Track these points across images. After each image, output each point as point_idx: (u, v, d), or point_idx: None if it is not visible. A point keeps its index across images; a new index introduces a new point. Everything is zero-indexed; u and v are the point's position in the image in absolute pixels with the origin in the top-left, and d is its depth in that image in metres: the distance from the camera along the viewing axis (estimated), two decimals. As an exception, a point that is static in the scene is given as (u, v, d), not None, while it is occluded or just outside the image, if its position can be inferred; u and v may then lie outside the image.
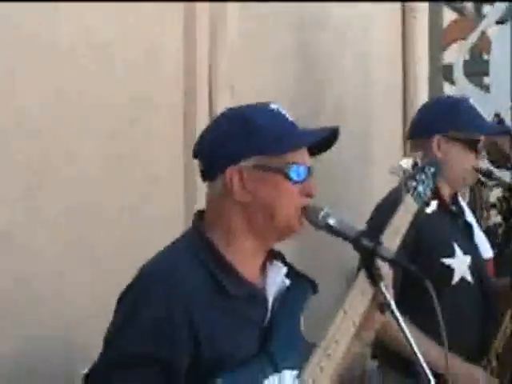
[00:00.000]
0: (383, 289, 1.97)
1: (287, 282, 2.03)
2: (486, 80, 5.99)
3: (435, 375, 2.40)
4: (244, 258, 1.97)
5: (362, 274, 2.02)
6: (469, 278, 3.03)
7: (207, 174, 2.01)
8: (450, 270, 3.00)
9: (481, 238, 3.22)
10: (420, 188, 2.28)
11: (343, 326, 1.96)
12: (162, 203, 3.45)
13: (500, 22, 6.00)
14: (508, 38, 5.71)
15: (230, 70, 4.31)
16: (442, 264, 2.99)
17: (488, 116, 5.71)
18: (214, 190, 1.98)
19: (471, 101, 3.26)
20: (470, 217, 3.23)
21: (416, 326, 2.90)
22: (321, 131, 2.04)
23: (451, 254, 3.01)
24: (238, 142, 1.95)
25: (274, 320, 1.96)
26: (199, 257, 1.95)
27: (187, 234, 2.03)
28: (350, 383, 2.24)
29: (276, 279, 2.00)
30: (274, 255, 2.06)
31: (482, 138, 3.15)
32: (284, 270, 2.03)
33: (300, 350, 1.95)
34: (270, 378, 1.89)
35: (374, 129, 3.44)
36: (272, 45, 4.89)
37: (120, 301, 1.96)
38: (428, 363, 2.79)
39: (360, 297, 2.00)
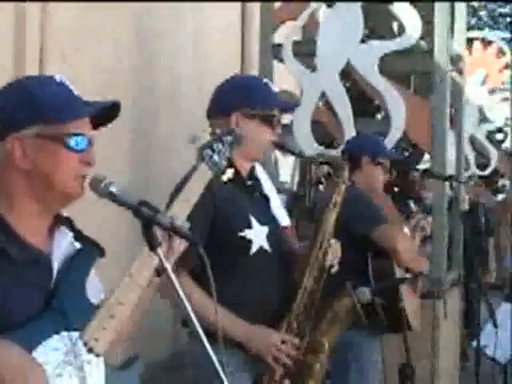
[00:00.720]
0: (160, 254, 2.04)
1: (77, 245, 2.12)
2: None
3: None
4: (28, 223, 2.03)
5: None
6: (267, 247, 3.15)
7: None
8: (247, 241, 3.10)
9: (278, 208, 3.36)
10: (215, 157, 2.35)
11: (128, 288, 2.04)
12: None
13: (329, 4, 6.21)
14: (336, 20, 5.91)
15: (61, 41, 4.31)
16: (240, 236, 3.09)
17: (315, 95, 5.96)
18: None
19: (264, 79, 3.44)
20: (267, 189, 3.36)
21: (228, 292, 3.03)
22: (100, 104, 2.10)
23: (248, 226, 3.12)
24: (18, 111, 2.00)
25: (59, 284, 2.02)
26: None
27: None
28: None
29: (61, 244, 2.08)
30: (61, 221, 2.12)
31: (276, 112, 3.27)
32: (70, 235, 2.10)
33: (86, 312, 2.02)
34: (53, 337, 1.95)
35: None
36: (107, 18, 4.91)
37: None
38: (223, 332, 2.96)
39: (147, 261, 2.08)
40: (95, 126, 2.11)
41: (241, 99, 3.22)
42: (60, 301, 2.00)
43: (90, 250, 2.14)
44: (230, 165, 3.16)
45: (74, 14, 4.46)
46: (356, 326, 3.49)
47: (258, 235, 3.13)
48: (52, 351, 1.94)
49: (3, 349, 1.83)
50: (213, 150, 2.36)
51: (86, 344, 1.98)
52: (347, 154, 4.51)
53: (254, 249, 3.12)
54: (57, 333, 1.96)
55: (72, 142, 2.02)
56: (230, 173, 2.36)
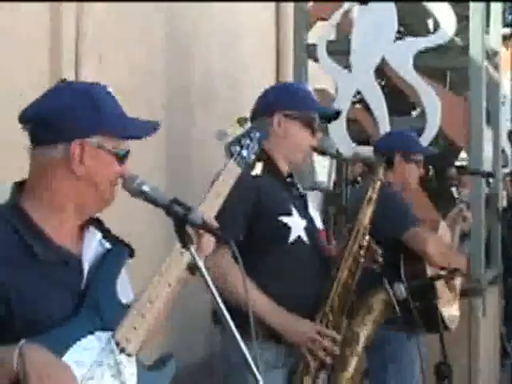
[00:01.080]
0: (193, 252, 2.06)
1: (107, 245, 2.15)
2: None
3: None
4: (61, 225, 2.07)
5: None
6: (305, 238, 3.20)
7: (45, 139, 2.06)
8: (287, 228, 3.16)
9: (315, 212, 3.41)
10: (244, 152, 2.37)
11: (159, 287, 2.07)
12: None
13: (363, 2, 6.19)
14: (370, 18, 5.90)
15: (97, 39, 4.34)
16: (280, 221, 3.14)
17: (350, 94, 5.95)
18: (48, 157, 2.05)
19: (306, 86, 3.51)
20: (303, 193, 3.43)
21: (266, 279, 3.06)
22: (151, 126, 2.17)
23: (288, 213, 3.17)
24: (86, 117, 2.05)
25: (90, 284, 2.05)
26: (11, 224, 2.02)
27: (3, 204, 2.10)
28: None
29: (91, 245, 2.10)
30: (90, 221, 2.15)
31: (316, 117, 3.33)
32: (98, 235, 2.14)
33: (117, 312, 2.05)
34: (86, 338, 1.97)
35: (246, 107, 3.59)
36: (139, 17, 4.94)
37: None
38: (260, 318, 2.99)
39: (177, 259, 2.10)
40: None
41: (283, 100, 3.33)
42: (92, 301, 2.02)
43: (120, 250, 2.17)
44: (272, 164, 3.23)
45: (109, 15, 4.50)
46: (392, 325, 3.49)
47: (296, 225, 3.19)
48: (85, 351, 1.96)
49: (33, 353, 1.84)
50: (241, 146, 2.38)
51: (118, 344, 2.00)
52: (379, 152, 4.48)
53: (292, 236, 3.17)
54: (89, 333, 1.98)
55: (123, 156, 2.11)
56: (259, 167, 2.38)
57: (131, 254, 2.18)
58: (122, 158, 2.10)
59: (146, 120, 2.18)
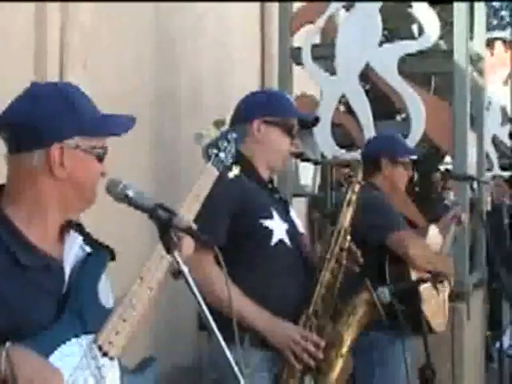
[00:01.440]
0: (177, 257, 2.06)
1: (87, 249, 2.15)
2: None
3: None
4: (40, 230, 2.06)
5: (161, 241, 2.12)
6: (287, 241, 3.21)
7: (22, 145, 2.04)
8: (269, 231, 3.17)
9: (295, 216, 3.43)
10: (222, 154, 2.38)
11: (140, 291, 2.08)
12: None
13: (347, 7, 6.21)
14: (355, 22, 5.91)
15: (82, 47, 4.34)
16: (261, 225, 3.16)
17: (335, 98, 5.97)
18: (26, 163, 2.04)
19: (285, 93, 3.54)
20: (284, 198, 3.46)
21: (249, 282, 3.09)
22: (128, 121, 2.15)
23: (269, 217, 3.19)
24: (62, 120, 2.03)
25: (72, 288, 2.04)
26: None
27: None
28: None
29: (72, 248, 2.10)
30: (70, 225, 2.15)
31: (295, 123, 3.36)
32: (79, 239, 2.13)
33: (100, 316, 2.04)
34: (68, 343, 1.96)
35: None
36: (128, 22, 4.94)
37: None
38: (244, 322, 3.00)
39: (158, 262, 2.12)
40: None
41: (263, 106, 3.35)
42: (74, 306, 2.02)
43: (100, 254, 2.16)
44: (252, 170, 3.25)
45: (94, 21, 4.49)
46: (379, 328, 3.50)
47: (278, 228, 3.21)
48: (67, 356, 1.95)
49: (21, 355, 1.83)
50: (218, 149, 2.38)
51: (100, 348, 2.00)
52: (366, 156, 4.50)
53: (274, 240, 3.18)
54: (71, 338, 1.98)
55: (101, 154, 2.10)
56: (236, 170, 2.38)
57: (112, 257, 2.18)
58: (100, 156, 2.10)
59: (121, 115, 2.15)
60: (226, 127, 2.44)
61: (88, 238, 2.15)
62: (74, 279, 2.06)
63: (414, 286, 3.71)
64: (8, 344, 1.82)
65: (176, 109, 5.64)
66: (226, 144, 2.39)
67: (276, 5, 6.46)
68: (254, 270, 3.16)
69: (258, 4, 7.23)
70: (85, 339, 2.00)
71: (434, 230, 4.53)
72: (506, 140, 10.45)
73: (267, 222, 3.17)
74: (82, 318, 2.01)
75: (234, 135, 2.42)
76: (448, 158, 6.63)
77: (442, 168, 9.20)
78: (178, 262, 2.05)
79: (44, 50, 4.11)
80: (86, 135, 2.06)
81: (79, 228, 2.15)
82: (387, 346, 4.11)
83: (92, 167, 2.09)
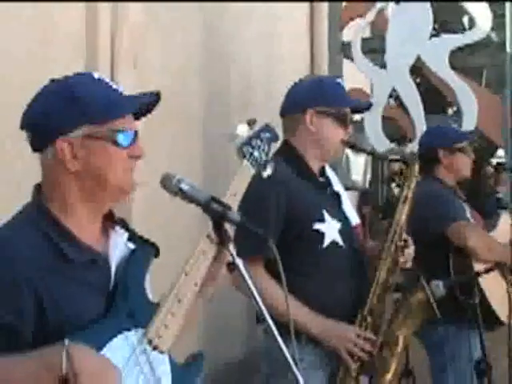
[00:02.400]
0: (232, 250, 2.06)
1: (131, 246, 2.11)
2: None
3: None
4: (82, 224, 2.03)
5: (204, 237, 2.11)
6: (340, 241, 3.16)
7: (36, 146, 2.03)
8: (320, 234, 3.13)
9: (348, 207, 3.38)
10: (256, 153, 2.35)
11: (185, 286, 2.06)
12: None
13: (397, 0, 6.18)
14: (405, 15, 5.88)
15: (132, 47, 4.36)
16: (313, 228, 3.12)
17: (386, 92, 5.94)
18: (46, 161, 2.02)
19: (337, 79, 3.47)
20: (338, 187, 3.39)
21: (302, 285, 3.06)
22: (143, 97, 2.09)
23: (321, 219, 3.15)
24: (65, 114, 1.99)
25: (119, 284, 2.02)
26: (39, 227, 1.99)
27: (27, 206, 2.06)
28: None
29: (117, 245, 2.07)
30: (115, 221, 2.11)
31: (348, 112, 3.31)
32: (125, 235, 2.09)
33: (146, 312, 2.02)
34: (117, 338, 1.94)
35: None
36: (177, 21, 4.95)
37: None
38: (299, 328, 2.98)
39: (202, 258, 2.09)
40: (137, 117, 2.11)
41: (315, 97, 3.27)
42: (121, 302, 2.00)
43: (145, 250, 2.13)
44: (302, 162, 3.21)
45: (143, 17, 4.52)
46: (450, 322, 3.47)
47: (330, 229, 3.16)
48: (117, 351, 1.94)
49: (81, 352, 1.81)
50: (252, 147, 2.37)
51: (150, 342, 1.99)
52: (423, 151, 4.48)
53: (326, 242, 3.14)
54: (120, 333, 1.96)
55: (119, 138, 2.02)
56: (270, 168, 2.35)
57: (156, 253, 2.15)
58: (118, 141, 2.02)
59: (142, 93, 2.09)
60: (258, 126, 2.41)
61: (132, 234, 2.12)
62: (121, 275, 2.04)
63: (471, 278, 3.66)
64: (67, 341, 1.80)
65: (226, 106, 5.64)
66: (259, 143, 2.37)
67: (325, 3, 6.44)
68: (307, 274, 3.12)
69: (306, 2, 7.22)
70: (134, 334, 1.98)
71: (506, 220, 4.48)
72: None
73: (318, 226, 3.13)
74: (131, 315, 2.00)
75: (268, 134, 2.39)
76: (500, 152, 6.55)
77: (494, 162, 9.11)
78: (232, 255, 2.05)
79: (95, 51, 4.14)
80: (93, 122, 2.00)
81: (123, 223, 2.13)
82: (460, 340, 4.03)
83: (111, 153, 2.01)
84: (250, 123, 2.38)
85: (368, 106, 3.54)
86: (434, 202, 4.22)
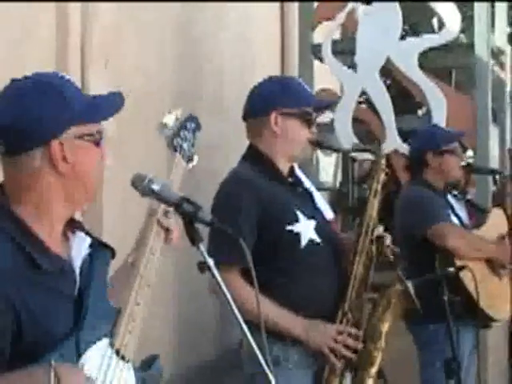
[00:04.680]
0: (203, 250, 2.07)
1: (87, 250, 2.08)
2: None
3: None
4: (51, 230, 2.00)
5: (148, 235, 2.14)
6: (317, 239, 3.18)
7: (18, 148, 1.95)
8: (296, 235, 3.15)
9: (322, 202, 3.40)
10: (185, 145, 2.34)
11: (141, 288, 2.07)
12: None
13: (367, 2, 6.20)
14: (375, 17, 5.90)
15: (104, 46, 4.35)
16: (288, 230, 3.13)
17: (355, 93, 5.96)
18: (27, 164, 1.95)
19: (298, 78, 3.50)
20: (308, 184, 3.40)
21: (283, 287, 3.07)
22: (117, 99, 2.09)
23: (295, 220, 3.15)
24: (57, 114, 1.96)
25: (83, 291, 2.00)
26: (10, 234, 1.94)
27: None
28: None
29: (81, 249, 2.04)
30: (75, 225, 2.08)
31: (312, 111, 3.33)
32: (88, 240, 2.07)
33: (110, 318, 2.02)
34: (90, 348, 1.94)
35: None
36: (151, 23, 4.94)
37: None
38: (275, 327, 3.00)
39: (151, 258, 2.12)
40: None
41: (279, 98, 3.28)
42: (89, 309, 1.98)
43: (103, 253, 2.11)
44: (270, 164, 3.23)
45: (115, 16, 4.50)
46: (439, 321, 3.57)
47: (306, 228, 3.18)
48: (91, 362, 1.93)
49: (68, 372, 1.82)
50: (182, 139, 2.36)
51: (118, 352, 1.98)
52: (412, 155, 4.56)
53: (304, 242, 3.15)
54: (93, 343, 1.95)
55: (98, 138, 2.04)
56: (195, 159, 2.34)
57: (112, 255, 2.13)
58: (98, 141, 2.03)
59: (110, 93, 2.10)
60: (183, 116, 2.38)
61: (90, 237, 2.09)
62: (84, 281, 2.02)
63: (440, 277, 3.68)
64: (53, 362, 1.80)
65: (199, 106, 5.64)
66: (187, 134, 2.36)
67: (295, 4, 6.45)
68: (288, 275, 3.13)
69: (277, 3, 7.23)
70: (102, 343, 1.97)
71: (497, 213, 4.52)
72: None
73: (293, 227, 3.14)
74: (98, 320, 1.98)
75: (193, 124, 2.38)
76: (469, 153, 6.60)
77: (463, 163, 9.16)
78: (204, 256, 2.06)
79: (65, 50, 4.12)
80: (80, 123, 2.00)
81: (82, 227, 2.09)
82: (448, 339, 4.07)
83: (92, 154, 2.02)
84: (177, 113, 2.36)
85: (332, 104, 3.57)
86: (416, 206, 4.34)
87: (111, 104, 2.07)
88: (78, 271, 2.01)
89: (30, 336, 1.88)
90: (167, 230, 2.17)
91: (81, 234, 2.07)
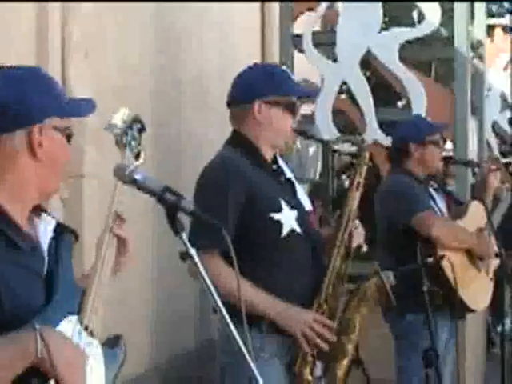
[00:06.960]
0: (185, 239, 2.09)
1: (52, 233, 2.15)
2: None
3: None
4: (23, 212, 2.08)
5: (102, 233, 2.16)
6: (298, 229, 3.19)
7: (1, 128, 2.03)
8: (278, 224, 3.15)
9: (302, 194, 3.42)
10: (133, 143, 2.34)
11: (104, 266, 2.12)
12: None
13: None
14: (355, 9, 5.92)
15: (84, 39, 4.34)
16: (271, 218, 3.14)
17: (336, 84, 5.98)
18: (6, 144, 2.03)
19: (284, 66, 3.49)
20: (289, 175, 3.42)
21: (262, 275, 3.10)
22: (91, 105, 2.20)
23: (278, 209, 3.17)
24: (42, 101, 2.06)
25: (52, 270, 2.07)
26: None
27: None
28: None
29: (46, 231, 2.12)
30: (41, 208, 2.15)
31: (296, 100, 3.33)
32: (53, 223, 2.15)
33: (77, 296, 2.08)
34: (61, 323, 1.99)
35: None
36: (132, 17, 4.94)
37: None
38: (257, 311, 3.02)
39: (109, 250, 2.15)
40: None
41: (263, 86, 3.27)
42: (57, 287, 2.05)
43: (66, 236, 2.18)
44: (254, 150, 3.23)
45: (97, 11, 4.49)
46: (416, 311, 3.59)
47: (288, 218, 3.19)
48: (64, 333, 1.98)
49: (56, 338, 1.87)
50: (130, 137, 2.37)
51: (86, 328, 2.03)
52: (395, 145, 4.59)
53: (285, 231, 3.16)
54: (62, 319, 2.00)
55: (69, 135, 2.14)
56: (142, 157, 2.36)
57: (76, 237, 2.20)
58: (70, 136, 2.13)
59: (83, 99, 2.24)
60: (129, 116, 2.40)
61: (55, 221, 2.16)
62: (52, 261, 2.08)
63: (419, 268, 3.71)
64: (38, 326, 1.85)
65: (180, 102, 5.64)
66: (134, 133, 2.38)
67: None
68: (268, 263, 3.14)
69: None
70: (72, 319, 2.03)
71: (476, 205, 4.55)
72: (506, 127, 10.44)
73: (276, 215, 3.15)
74: (66, 299, 2.04)
75: (139, 125, 2.39)
76: (449, 145, 6.64)
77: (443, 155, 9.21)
78: (186, 245, 2.07)
79: (45, 43, 4.11)
80: (63, 116, 2.10)
81: (45, 210, 2.16)
82: (425, 329, 4.09)
83: (64, 147, 2.11)
84: (124, 113, 2.38)
85: (314, 94, 3.58)
86: (399, 194, 4.36)
87: (87, 107, 2.19)
88: (45, 251, 2.08)
89: (8, 309, 1.94)
90: (120, 240, 2.18)
91: (47, 217, 2.14)
